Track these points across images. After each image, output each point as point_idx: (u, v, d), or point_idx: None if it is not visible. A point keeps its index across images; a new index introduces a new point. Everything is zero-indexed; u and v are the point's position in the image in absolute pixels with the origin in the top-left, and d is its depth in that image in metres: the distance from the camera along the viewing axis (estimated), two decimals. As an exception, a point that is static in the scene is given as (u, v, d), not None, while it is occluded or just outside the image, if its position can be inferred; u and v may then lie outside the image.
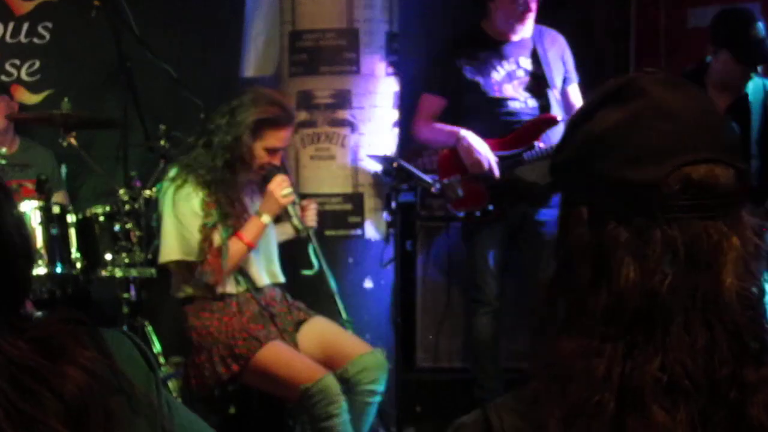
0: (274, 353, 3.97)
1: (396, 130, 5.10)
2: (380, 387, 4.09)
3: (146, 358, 1.28)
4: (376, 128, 4.98)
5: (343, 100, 4.94)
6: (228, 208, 4.00)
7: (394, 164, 4.79)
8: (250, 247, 4.04)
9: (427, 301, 5.49)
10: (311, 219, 4.31)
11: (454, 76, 4.91)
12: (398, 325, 4.92)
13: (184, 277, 4.11)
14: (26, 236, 1.18)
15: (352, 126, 4.93)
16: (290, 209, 4.12)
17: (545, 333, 1.27)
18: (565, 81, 5.03)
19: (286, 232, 4.36)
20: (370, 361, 4.08)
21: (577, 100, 5.06)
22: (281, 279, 4.31)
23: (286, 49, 5.08)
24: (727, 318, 1.18)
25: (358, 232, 4.95)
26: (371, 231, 4.99)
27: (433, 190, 4.81)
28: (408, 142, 5.19)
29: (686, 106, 1.24)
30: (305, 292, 4.43)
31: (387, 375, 4.16)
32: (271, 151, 4.05)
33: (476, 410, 1.28)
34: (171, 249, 4.06)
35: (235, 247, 4.00)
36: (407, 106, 5.15)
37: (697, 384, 1.15)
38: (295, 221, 4.15)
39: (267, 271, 4.23)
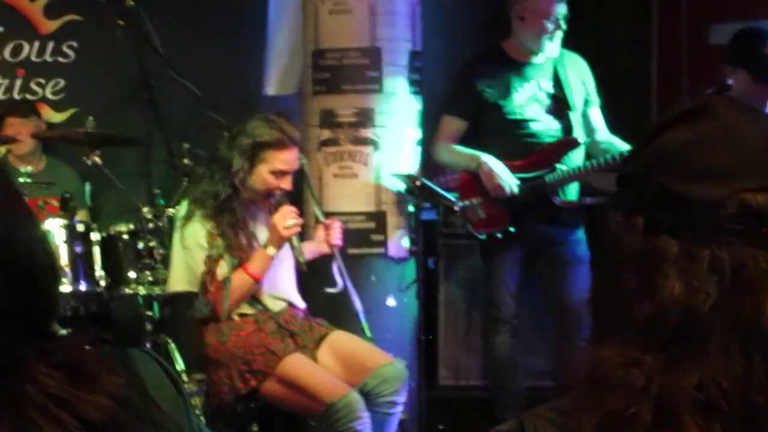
0: (296, 366, 3.97)
1: (419, 149, 5.10)
2: (400, 398, 4.09)
3: (174, 381, 1.28)
4: (398, 147, 4.98)
5: (365, 118, 4.95)
6: (233, 238, 4.00)
7: (417, 183, 4.80)
8: (257, 279, 4.03)
9: (449, 319, 5.49)
10: (335, 237, 4.32)
11: (475, 98, 4.90)
12: (421, 343, 4.92)
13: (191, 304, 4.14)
14: (51, 254, 1.17)
15: (375, 144, 4.94)
16: (294, 241, 4.11)
17: (584, 337, 1.28)
18: (587, 104, 5.02)
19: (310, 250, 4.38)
20: (390, 372, 4.07)
21: (598, 122, 5.05)
22: (300, 305, 4.31)
23: (309, 67, 5.10)
24: (766, 347, 1.17)
25: (381, 250, 4.96)
26: (394, 249, 4.99)
27: (455, 208, 4.82)
28: (431, 161, 5.20)
29: (757, 132, 1.24)
30: (328, 309, 4.43)
31: (407, 385, 4.16)
32: (278, 174, 4.04)
33: (512, 419, 1.29)
34: (177, 280, 4.14)
35: (241, 279, 4.00)
36: (430, 124, 5.15)
37: (733, 406, 1.15)
38: (297, 253, 4.14)
39: (276, 299, 4.21)
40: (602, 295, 1.28)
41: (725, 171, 1.21)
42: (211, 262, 3.98)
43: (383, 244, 4.95)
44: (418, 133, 5.09)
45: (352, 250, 4.83)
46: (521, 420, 1.28)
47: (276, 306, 4.19)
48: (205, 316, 4.04)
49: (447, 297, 5.49)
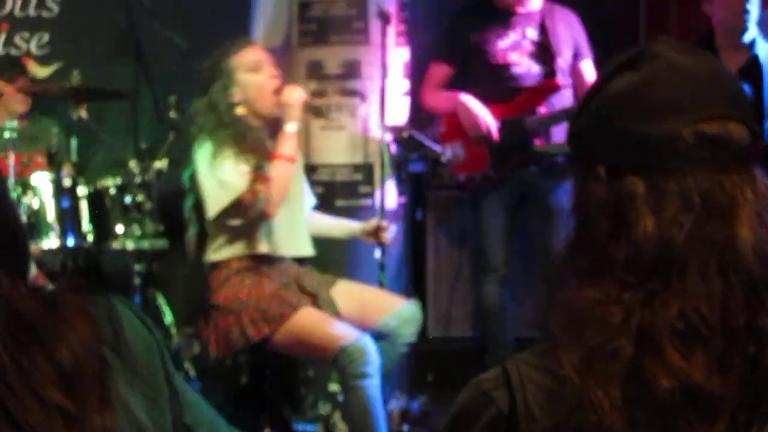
0: (310, 316, 3.98)
1: (407, 100, 5.08)
2: (414, 336, 4.23)
3: (148, 328, 1.29)
4: (386, 98, 4.96)
5: (352, 70, 4.92)
6: (259, 148, 4.05)
7: (405, 134, 4.79)
8: (293, 161, 4.05)
9: (438, 271, 5.49)
10: (386, 239, 4.44)
11: (461, 45, 4.96)
12: (410, 295, 4.93)
13: (233, 216, 4.07)
14: (18, 213, 1.20)
15: (362, 96, 4.92)
16: None
17: (564, 286, 1.30)
18: (577, 57, 5.04)
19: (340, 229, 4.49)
20: (410, 314, 4.20)
21: (590, 75, 5.05)
22: (309, 251, 4.29)
23: (295, 19, 5.06)
24: (742, 268, 1.22)
25: (369, 202, 4.95)
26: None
27: (443, 159, 4.82)
28: (418, 112, 5.18)
29: (699, 66, 1.29)
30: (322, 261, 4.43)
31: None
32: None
33: (496, 367, 1.32)
34: (217, 198, 4.00)
35: (279, 167, 3.99)
36: (418, 76, 5.14)
37: (713, 330, 1.19)
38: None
39: (289, 238, 4.19)
40: (579, 244, 1.31)
41: (678, 104, 1.25)
42: (256, 172, 3.99)
43: (371, 195, 4.94)
44: (405, 85, 5.06)
45: (339, 202, 4.83)
46: (504, 367, 1.31)
47: (282, 248, 4.16)
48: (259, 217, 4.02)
49: (435, 249, 5.49)
